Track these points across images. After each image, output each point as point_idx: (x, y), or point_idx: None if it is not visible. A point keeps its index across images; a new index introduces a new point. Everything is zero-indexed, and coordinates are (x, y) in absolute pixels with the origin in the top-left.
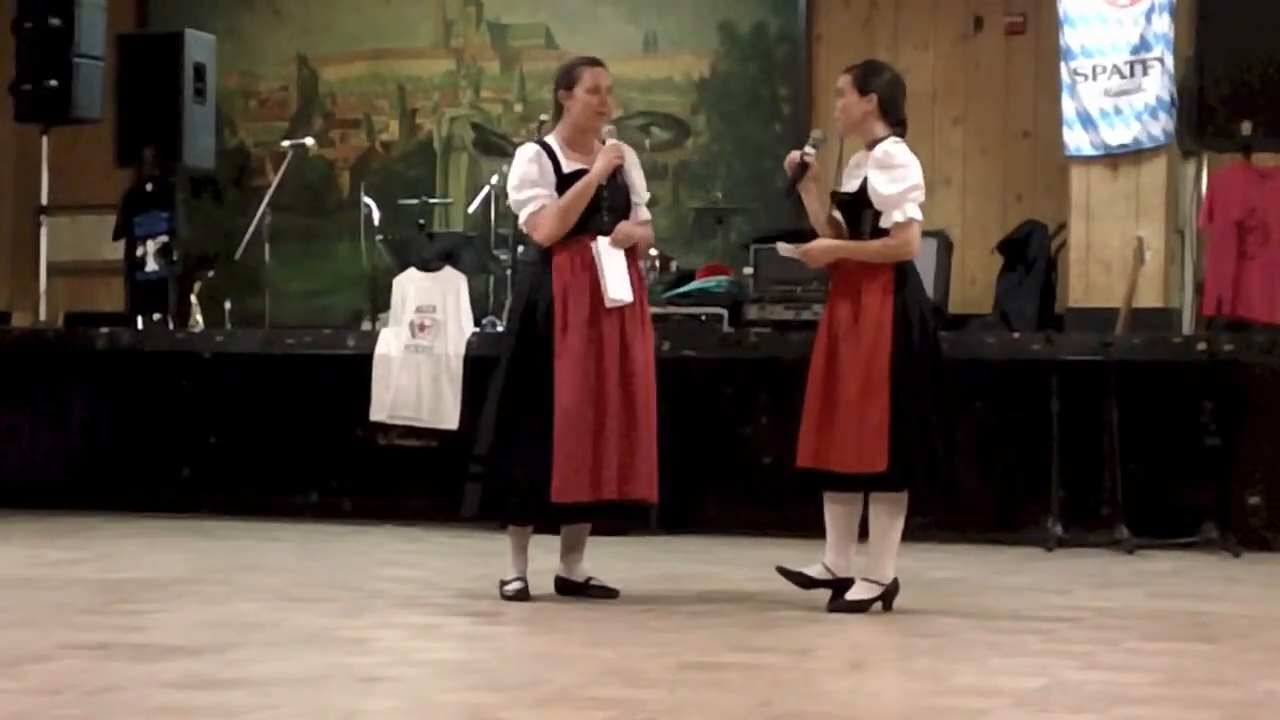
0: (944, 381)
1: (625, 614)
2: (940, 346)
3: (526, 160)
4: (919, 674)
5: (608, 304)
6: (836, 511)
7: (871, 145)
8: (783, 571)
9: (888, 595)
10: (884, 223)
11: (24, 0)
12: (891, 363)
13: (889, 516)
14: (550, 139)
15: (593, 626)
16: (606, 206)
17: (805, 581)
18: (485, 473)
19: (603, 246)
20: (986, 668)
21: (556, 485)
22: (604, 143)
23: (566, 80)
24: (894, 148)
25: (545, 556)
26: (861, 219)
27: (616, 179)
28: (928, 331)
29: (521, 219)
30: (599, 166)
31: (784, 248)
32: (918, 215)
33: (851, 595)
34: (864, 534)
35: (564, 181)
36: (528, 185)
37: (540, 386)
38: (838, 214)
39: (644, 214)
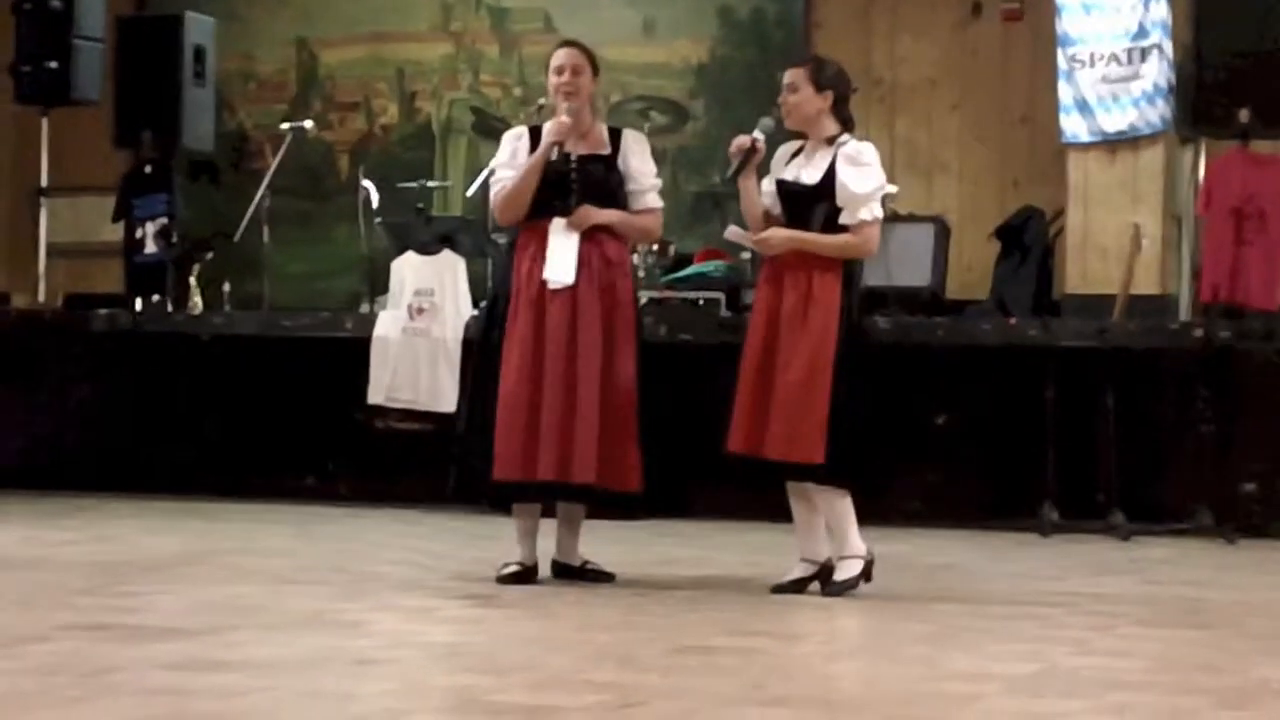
0: (875, 377)
1: (619, 598)
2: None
3: (504, 143)
4: (912, 659)
5: (549, 286)
6: (795, 501)
7: (829, 141)
8: (777, 590)
9: (867, 566)
10: (846, 219)
11: None
12: (836, 356)
13: (835, 498)
14: (547, 124)
15: (587, 610)
16: (575, 188)
17: (799, 586)
18: (458, 454)
19: (557, 226)
20: (980, 653)
21: (496, 465)
22: (595, 123)
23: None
24: (864, 146)
25: (545, 541)
26: (813, 212)
27: (596, 163)
28: (864, 329)
29: (491, 201)
30: (541, 146)
31: (735, 232)
32: (880, 214)
33: (838, 577)
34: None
35: (550, 162)
36: (500, 168)
37: (494, 371)
38: (772, 204)
39: (646, 202)
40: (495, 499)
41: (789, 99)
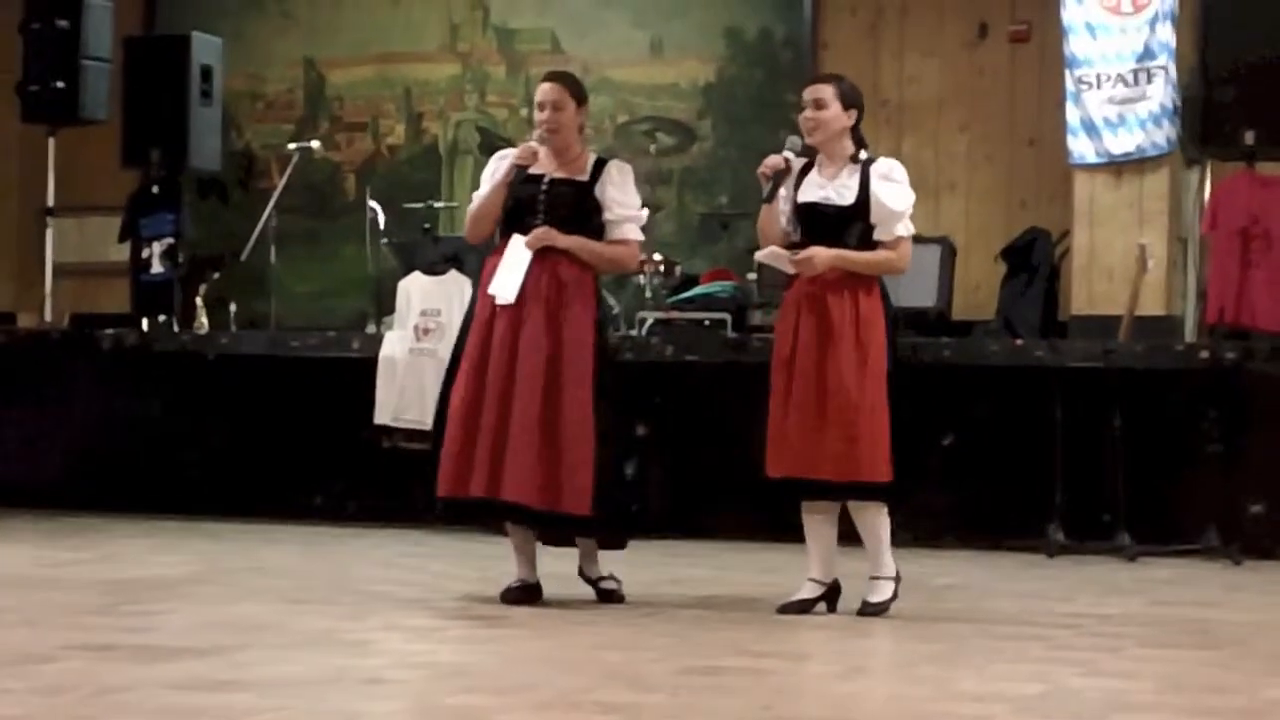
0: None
1: (627, 618)
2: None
3: (489, 163)
4: (920, 679)
5: (496, 301)
6: (822, 521)
7: (851, 159)
8: (784, 610)
9: (897, 586)
10: (883, 235)
11: (31, 2)
12: (888, 372)
13: (880, 515)
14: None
15: (595, 630)
16: (542, 210)
17: (806, 606)
18: (430, 470)
19: (515, 243)
20: (987, 674)
21: (439, 480)
22: (583, 151)
23: None
24: (894, 163)
25: (553, 561)
26: (848, 231)
27: (568, 188)
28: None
29: None
30: (503, 167)
31: (772, 253)
32: (913, 230)
33: (875, 598)
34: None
35: (525, 184)
36: (482, 186)
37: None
38: (788, 224)
39: (623, 233)
40: (441, 514)
41: (817, 114)
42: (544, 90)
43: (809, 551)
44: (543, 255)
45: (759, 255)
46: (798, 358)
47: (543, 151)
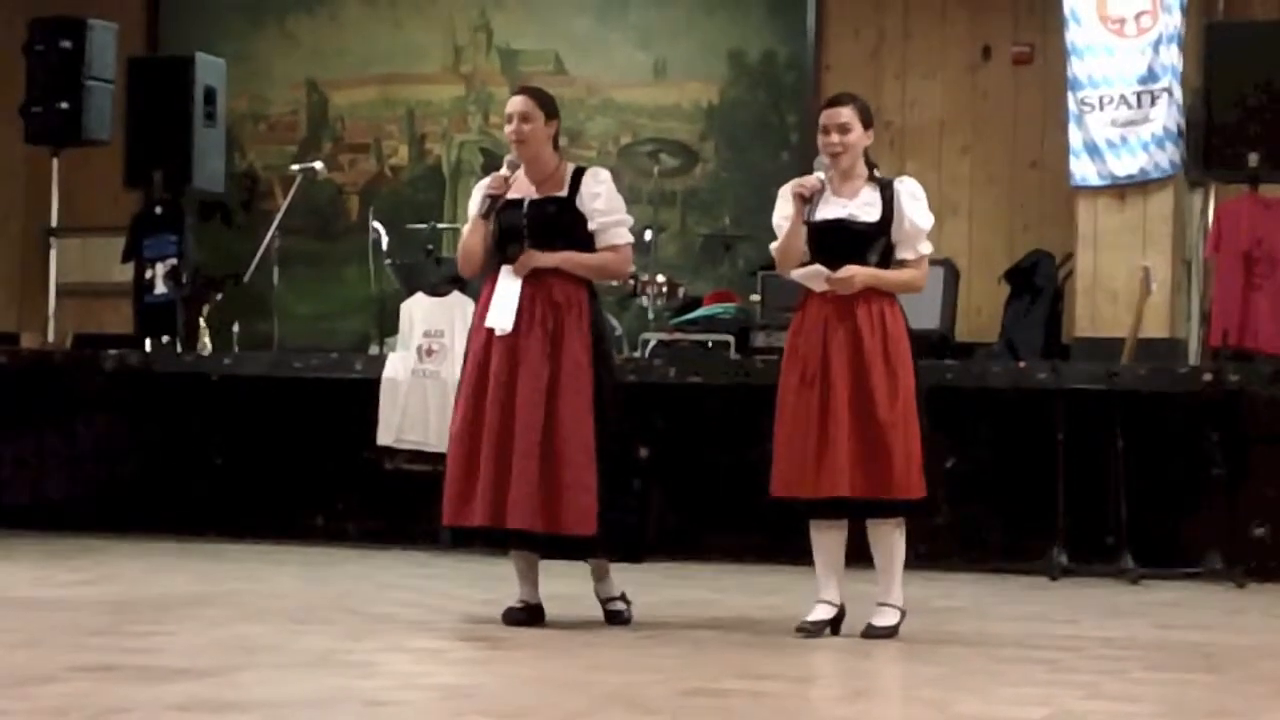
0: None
1: (629, 640)
2: None
3: (474, 193)
4: (922, 702)
5: (495, 333)
6: (833, 540)
7: (869, 179)
8: (803, 631)
9: (901, 619)
10: (906, 253)
11: (35, 23)
12: (916, 389)
13: (900, 538)
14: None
15: (597, 652)
16: (528, 234)
17: (821, 628)
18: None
19: (504, 274)
20: (991, 697)
21: (444, 508)
22: (560, 165)
23: None
24: (916, 183)
25: (556, 581)
26: (871, 248)
27: (548, 205)
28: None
29: None
30: (476, 202)
31: (811, 271)
32: (931, 249)
33: (883, 622)
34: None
35: (507, 210)
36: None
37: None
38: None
39: (612, 238)
40: (448, 542)
41: (843, 138)
42: (513, 102)
43: (820, 571)
44: (534, 278)
45: (796, 273)
46: (831, 377)
47: (520, 174)
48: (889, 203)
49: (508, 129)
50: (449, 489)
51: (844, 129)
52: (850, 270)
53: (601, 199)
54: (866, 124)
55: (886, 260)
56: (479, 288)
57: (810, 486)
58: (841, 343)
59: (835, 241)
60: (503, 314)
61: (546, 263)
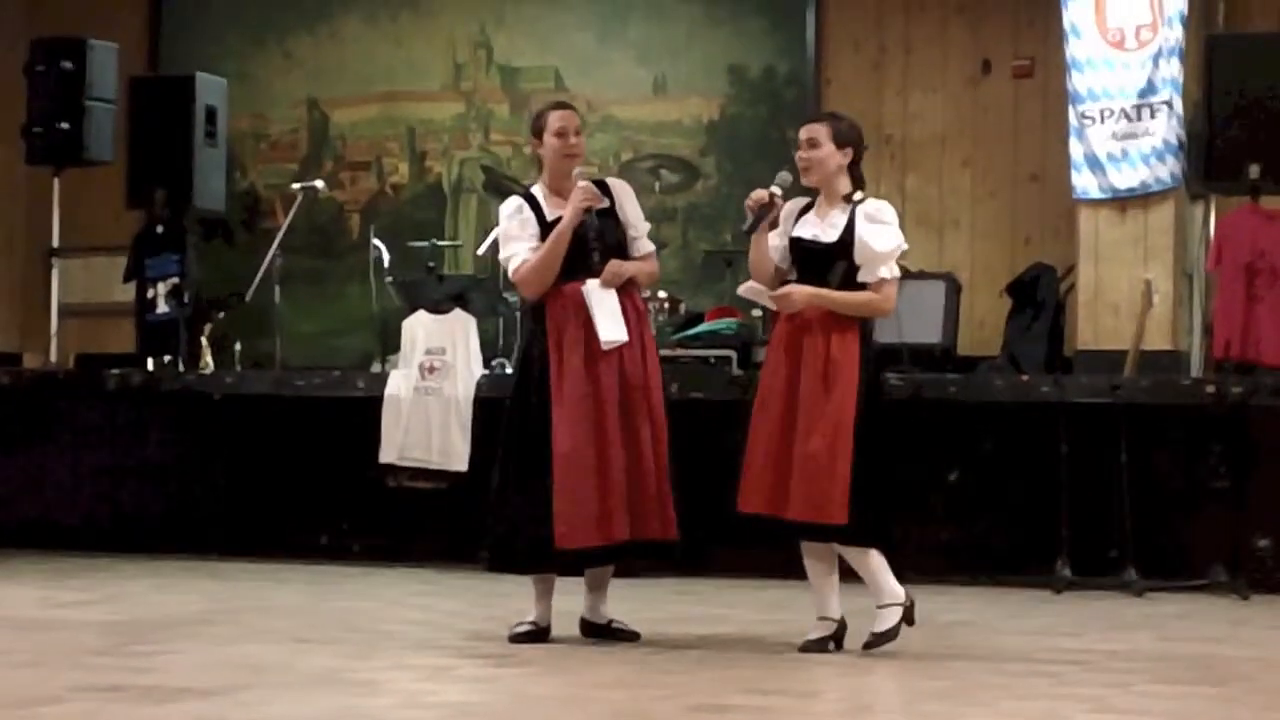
0: (892, 433)
1: (635, 656)
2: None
3: (507, 216)
4: (928, 716)
5: (603, 346)
6: (817, 560)
7: (845, 199)
8: (805, 649)
9: (907, 611)
10: (866, 277)
11: (36, 44)
12: (857, 417)
13: (862, 555)
14: (536, 188)
15: (602, 669)
16: (596, 247)
17: (822, 645)
18: (493, 524)
19: (592, 288)
20: (996, 710)
21: (560, 532)
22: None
23: (536, 128)
24: (883, 204)
25: (560, 599)
26: (832, 270)
27: (603, 218)
28: (881, 385)
29: (510, 276)
30: (568, 214)
31: (751, 288)
32: (899, 273)
33: (878, 629)
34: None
35: (547, 230)
36: (510, 241)
37: (538, 436)
38: (782, 260)
39: (645, 246)
40: (565, 565)
41: (810, 154)
42: (565, 116)
43: (815, 588)
44: (619, 288)
45: (741, 289)
46: (770, 398)
47: (551, 193)
48: (851, 225)
49: (559, 143)
50: (574, 510)
51: (812, 144)
52: (789, 289)
53: (634, 209)
54: (841, 143)
55: (852, 282)
56: (481, 306)
57: (755, 504)
58: (784, 365)
59: (802, 261)
60: (617, 325)
61: (632, 271)
